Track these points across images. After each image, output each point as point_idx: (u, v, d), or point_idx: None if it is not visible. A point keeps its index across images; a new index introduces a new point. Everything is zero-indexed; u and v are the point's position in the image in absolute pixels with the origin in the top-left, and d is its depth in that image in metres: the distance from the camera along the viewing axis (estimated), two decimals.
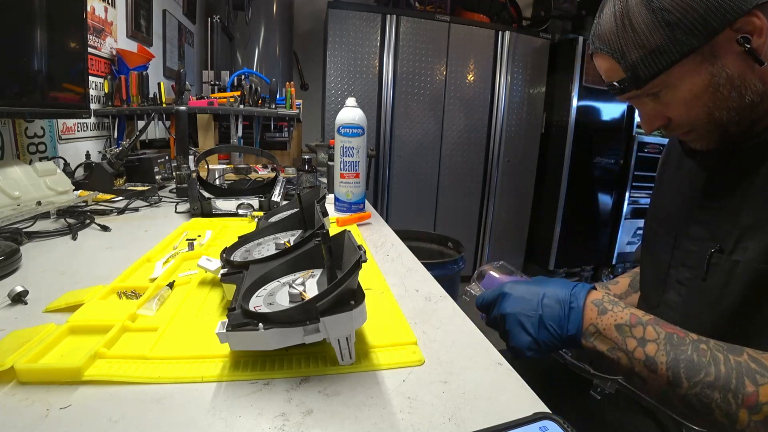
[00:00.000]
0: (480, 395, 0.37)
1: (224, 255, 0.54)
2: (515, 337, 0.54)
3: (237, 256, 0.57)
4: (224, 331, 0.36)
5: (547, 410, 0.34)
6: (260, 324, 0.36)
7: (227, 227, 0.88)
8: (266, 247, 0.59)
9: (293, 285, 0.42)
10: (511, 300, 0.55)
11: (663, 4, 0.47)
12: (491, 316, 0.58)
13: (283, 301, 0.42)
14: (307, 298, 0.39)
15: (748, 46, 0.46)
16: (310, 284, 0.45)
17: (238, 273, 0.49)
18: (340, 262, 0.46)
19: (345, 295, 0.37)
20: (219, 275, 0.50)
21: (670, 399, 0.47)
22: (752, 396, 0.41)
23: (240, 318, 0.37)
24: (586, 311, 0.52)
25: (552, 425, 0.30)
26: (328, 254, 0.41)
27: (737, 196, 0.54)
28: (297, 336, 0.37)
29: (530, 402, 0.37)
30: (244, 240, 0.61)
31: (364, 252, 0.39)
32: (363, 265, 0.39)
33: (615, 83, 0.54)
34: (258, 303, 0.42)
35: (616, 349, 0.50)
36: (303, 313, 0.36)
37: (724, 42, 0.47)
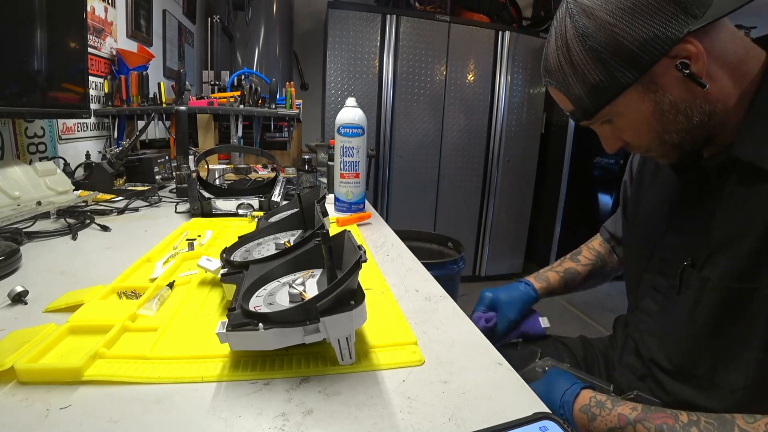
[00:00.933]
0: (480, 395, 0.37)
1: (224, 255, 0.54)
2: None
3: (237, 256, 0.57)
4: (224, 331, 0.36)
5: (547, 410, 0.34)
6: (260, 324, 0.36)
7: (227, 227, 0.88)
8: (266, 247, 0.59)
9: (293, 285, 0.42)
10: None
11: (596, 43, 0.49)
12: None
13: (283, 301, 0.42)
14: (307, 298, 0.39)
15: (687, 71, 0.47)
16: (310, 284, 0.45)
17: (238, 273, 0.49)
18: (340, 262, 0.46)
19: (345, 295, 0.37)
20: (219, 275, 0.50)
21: None
22: None
23: (240, 318, 0.37)
24: (577, 420, 0.56)
25: (552, 425, 0.30)
26: (328, 254, 0.41)
27: (707, 210, 0.55)
28: (297, 336, 0.37)
29: (530, 402, 0.37)
30: (244, 240, 0.61)
31: (364, 252, 0.39)
32: (363, 265, 0.39)
33: (567, 113, 0.57)
34: (258, 303, 0.42)
35: None
36: (303, 313, 0.36)
37: (664, 70, 0.48)
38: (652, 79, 0.49)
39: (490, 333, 0.78)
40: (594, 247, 0.88)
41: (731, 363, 0.51)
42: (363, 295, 0.39)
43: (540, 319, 0.83)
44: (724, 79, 0.50)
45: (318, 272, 0.49)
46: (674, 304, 0.58)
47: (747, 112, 0.50)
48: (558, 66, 0.53)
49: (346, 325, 0.37)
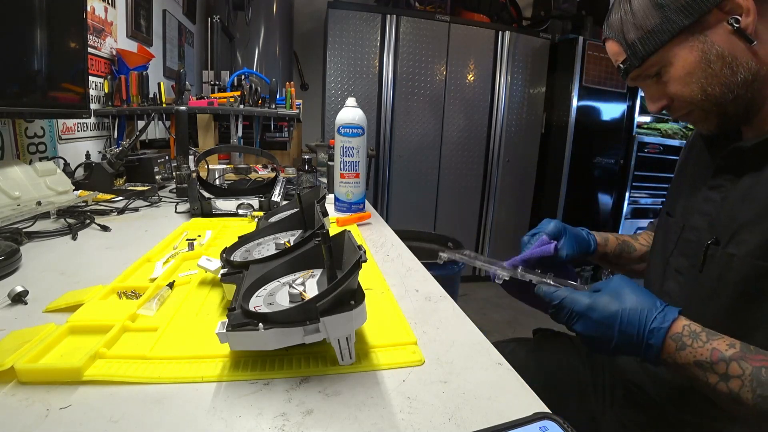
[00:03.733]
0: (480, 395, 0.37)
1: (224, 255, 0.54)
2: (592, 347, 0.53)
3: (237, 256, 0.57)
4: (224, 331, 0.36)
5: (547, 410, 0.34)
6: (260, 324, 0.36)
7: (227, 227, 0.88)
8: (266, 247, 0.59)
9: (293, 285, 0.42)
10: (587, 323, 0.52)
11: None
12: (561, 317, 0.55)
13: (283, 301, 0.42)
14: (307, 298, 0.39)
15: (737, 25, 0.50)
16: (310, 284, 0.45)
17: (238, 273, 0.49)
18: (340, 262, 0.46)
19: (345, 295, 0.37)
20: (219, 275, 0.50)
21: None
22: None
23: (240, 318, 0.37)
24: (665, 346, 0.49)
25: (552, 425, 0.30)
26: (328, 254, 0.41)
27: (739, 190, 0.56)
28: (297, 336, 0.37)
29: (530, 402, 0.37)
30: (244, 240, 0.61)
31: (364, 252, 0.39)
32: (363, 265, 0.39)
33: (620, 65, 0.60)
34: (258, 303, 0.42)
35: (696, 380, 0.48)
36: (303, 313, 0.36)
37: (714, 21, 0.52)
38: (703, 27, 0.53)
39: (544, 261, 0.69)
40: (650, 234, 0.86)
41: (749, 341, 0.48)
42: (363, 295, 0.39)
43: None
44: None
45: (318, 272, 0.49)
46: (696, 283, 0.59)
47: None
48: (618, 17, 0.59)
49: (346, 325, 0.37)
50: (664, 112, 0.64)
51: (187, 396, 0.35)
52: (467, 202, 2.97)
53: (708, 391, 0.48)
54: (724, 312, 0.54)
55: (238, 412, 0.33)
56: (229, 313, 0.38)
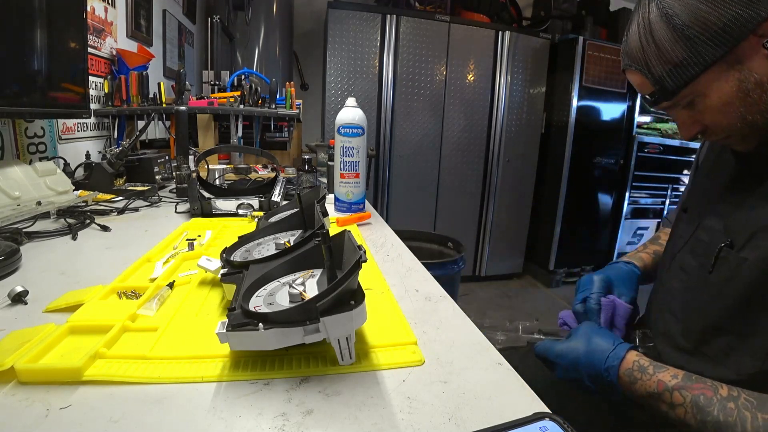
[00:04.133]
0: (480, 395, 0.37)
1: (224, 255, 0.54)
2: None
3: (237, 256, 0.57)
4: (224, 331, 0.36)
5: (547, 410, 0.34)
6: (260, 324, 0.36)
7: (227, 227, 0.88)
8: (266, 247, 0.59)
9: (293, 285, 0.42)
10: (560, 369, 0.61)
11: (682, 21, 0.49)
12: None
13: (283, 301, 0.42)
14: (307, 298, 0.39)
15: None
16: (310, 284, 0.45)
17: (238, 273, 0.49)
18: (340, 262, 0.46)
19: (345, 295, 0.37)
20: (219, 275, 0.50)
21: None
22: None
23: (240, 318, 0.37)
24: (620, 382, 0.55)
25: (552, 425, 0.30)
26: (328, 254, 0.41)
27: (758, 195, 0.54)
28: (297, 336, 0.37)
29: (530, 402, 0.37)
30: (244, 240, 0.61)
31: (364, 252, 0.39)
32: (363, 265, 0.39)
33: (647, 96, 0.57)
34: (258, 303, 0.42)
35: (654, 410, 0.53)
36: (303, 313, 0.36)
37: (749, 48, 0.48)
38: (738, 56, 0.49)
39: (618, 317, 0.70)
40: (666, 232, 0.86)
41: (746, 347, 0.51)
42: (363, 295, 0.39)
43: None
44: None
45: (318, 272, 0.49)
46: (703, 283, 0.58)
47: None
48: (639, 48, 0.54)
49: (346, 325, 0.37)
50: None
51: (187, 396, 0.35)
52: (467, 202, 2.97)
53: (666, 419, 0.52)
54: (728, 315, 0.54)
55: (238, 412, 0.33)
56: (229, 313, 0.38)
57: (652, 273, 0.79)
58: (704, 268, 0.58)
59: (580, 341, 0.59)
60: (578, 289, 0.73)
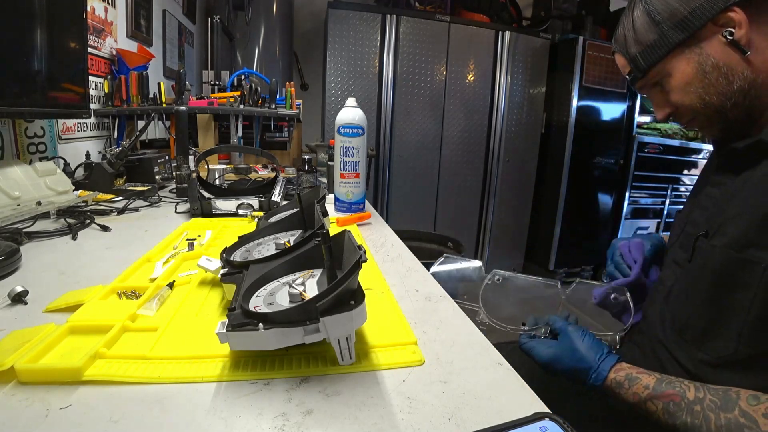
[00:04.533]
0: (480, 395, 0.37)
1: (224, 255, 0.54)
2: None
3: (237, 256, 0.57)
4: (224, 331, 0.36)
5: (547, 410, 0.34)
6: (260, 324, 0.36)
7: (227, 227, 0.88)
8: (266, 247, 0.59)
9: (293, 285, 0.42)
10: (551, 372, 0.64)
11: (656, 8, 0.58)
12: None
13: (283, 301, 0.42)
14: (307, 298, 0.39)
15: (731, 37, 0.54)
16: (310, 284, 0.45)
17: (238, 273, 0.49)
18: (340, 262, 0.46)
19: (345, 295, 0.37)
20: (219, 275, 0.50)
21: None
22: None
23: (240, 318, 0.37)
24: (607, 394, 0.59)
25: (552, 425, 0.30)
26: (328, 254, 0.41)
27: (732, 187, 0.59)
28: (297, 336, 0.37)
29: (530, 402, 0.37)
30: (244, 240, 0.61)
31: (364, 252, 0.39)
32: (363, 265, 0.39)
33: (627, 75, 0.66)
34: (258, 303, 0.42)
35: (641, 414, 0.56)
36: (303, 313, 0.36)
37: (708, 34, 0.56)
38: (698, 41, 0.57)
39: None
40: None
41: (719, 331, 0.55)
42: (363, 295, 0.39)
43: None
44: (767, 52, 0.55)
45: (318, 272, 0.49)
46: (685, 272, 0.63)
47: None
48: (623, 33, 0.64)
49: (346, 325, 0.37)
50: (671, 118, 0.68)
51: (187, 396, 0.35)
52: (467, 202, 2.97)
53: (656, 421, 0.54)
54: (703, 301, 0.57)
55: (238, 412, 0.33)
56: (229, 313, 0.38)
57: None
58: (686, 259, 0.63)
59: (564, 355, 0.62)
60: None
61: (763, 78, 0.55)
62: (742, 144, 0.58)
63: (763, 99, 0.56)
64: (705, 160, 0.74)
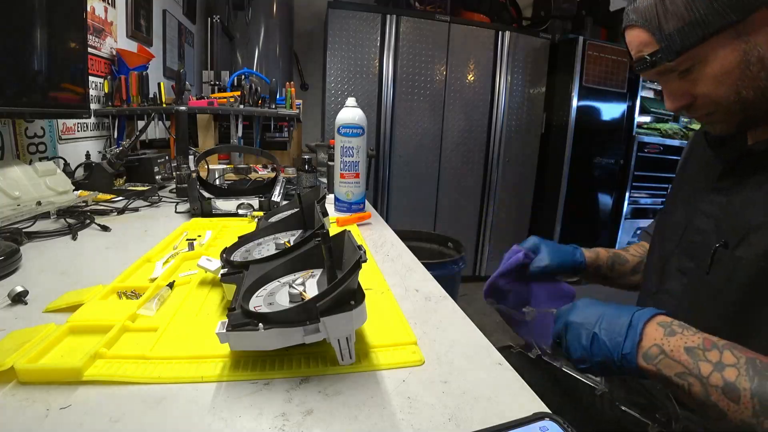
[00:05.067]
0: (480, 395, 0.37)
1: (224, 255, 0.54)
2: (570, 348, 0.53)
3: (237, 256, 0.57)
4: (224, 331, 0.36)
5: (548, 410, 0.34)
6: (260, 324, 0.36)
7: (227, 227, 0.88)
8: (266, 247, 0.59)
9: (293, 285, 0.42)
10: (575, 311, 0.55)
11: None
12: (557, 328, 0.57)
13: (283, 301, 0.42)
14: (307, 298, 0.39)
15: None
16: (310, 284, 0.45)
17: (238, 273, 0.49)
18: (340, 262, 0.46)
19: (345, 296, 0.37)
20: (219, 275, 0.50)
21: (755, 430, 0.41)
22: None
23: (240, 318, 0.37)
24: (648, 330, 0.49)
25: (552, 425, 0.30)
26: (328, 254, 0.41)
27: (747, 192, 0.55)
28: (297, 336, 0.37)
29: (530, 402, 0.37)
30: (244, 240, 0.61)
31: (364, 252, 0.39)
32: (363, 265, 0.39)
33: (646, 56, 0.54)
34: (258, 303, 0.42)
35: (686, 374, 0.45)
36: (303, 313, 0.36)
37: (760, 21, 0.49)
38: (748, 26, 0.49)
39: (516, 271, 0.77)
40: (644, 246, 0.86)
41: (753, 342, 0.48)
42: (363, 295, 0.39)
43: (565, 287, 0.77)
44: None
45: (318, 272, 0.49)
46: (702, 285, 0.58)
47: None
48: (653, 3, 0.52)
49: (346, 326, 0.37)
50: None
51: (187, 396, 0.35)
52: (467, 202, 2.97)
53: (699, 395, 0.44)
54: (728, 314, 0.54)
55: (238, 412, 0.33)
56: (229, 313, 0.38)
57: (605, 269, 0.81)
58: (701, 269, 0.58)
59: (611, 304, 0.54)
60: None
61: None
62: (761, 147, 0.54)
63: None
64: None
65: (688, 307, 0.61)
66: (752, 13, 0.48)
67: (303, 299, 0.40)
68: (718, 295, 0.55)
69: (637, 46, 0.56)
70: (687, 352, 0.46)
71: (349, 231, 0.46)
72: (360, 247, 0.40)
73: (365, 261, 0.39)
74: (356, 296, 0.38)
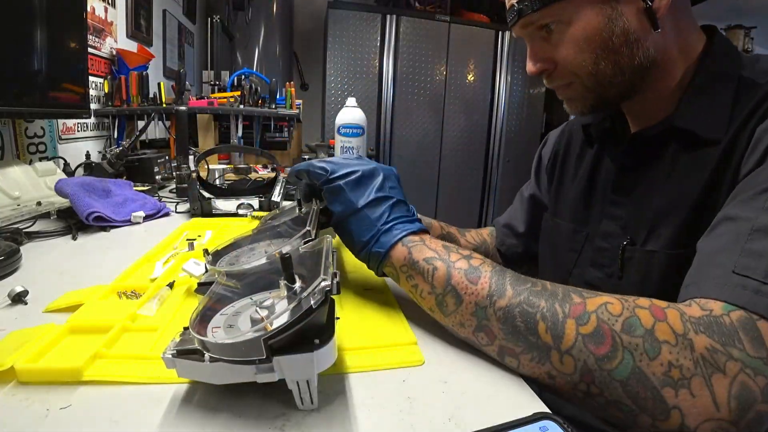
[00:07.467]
0: (480, 395, 0.37)
1: (209, 258, 0.49)
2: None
3: (224, 262, 0.51)
4: (169, 355, 0.31)
5: (547, 410, 0.34)
6: (207, 354, 0.30)
7: (227, 227, 0.88)
8: (257, 254, 0.54)
9: (259, 307, 0.34)
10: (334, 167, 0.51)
11: None
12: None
13: (244, 326, 0.35)
14: (269, 329, 0.30)
15: (650, 3, 0.47)
16: (280, 306, 0.35)
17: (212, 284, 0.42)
18: (315, 275, 0.36)
19: (308, 332, 0.30)
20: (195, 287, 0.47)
21: (487, 316, 0.40)
22: (579, 306, 0.38)
23: (189, 342, 0.31)
24: (393, 256, 0.47)
25: (552, 425, 0.30)
26: (288, 276, 0.34)
27: (645, 185, 0.54)
28: (248, 373, 0.30)
29: (530, 402, 0.37)
30: (237, 243, 0.56)
31: (338, 282, 0.32)
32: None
33: (514, 4, 0.52)
34: (218, 324, 0.36)
35: (435, 258, 0.44)
36: (251, 350, 0.29)
37: None
38: None
39: None
40: (482, 233, 0.84)
41: None
42: (332, 333, 0.31)
43: None
44: (673, 40, 0.50)
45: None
46: (617, 292, 0.57)
47: (686, 90, 0.52)
48: None
49: (305, 368, 0.30)
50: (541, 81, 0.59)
51: (187, 396, 0.35)
52: (467, 202, 2.97)
53: (441, 279, 0.42)
54: None
55: (239, 412, 0.33)
56: (183, 331, 0.33)
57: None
58: (614, 276, 0.56)
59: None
60: None
61: (661, 60, 0.50)
62: (653, 131, 0.53)
63: (652, 83, 0.52)
64: None
65: None
66: None
67: (265, 329, 0.30)
68: (639, 295, 0.54)
69: None
70: (443, 243, 0.46)
71: (331, 242, 0.39)
72: (335, 274, 0.32)
73: (337, 294, 0.31)
74: (323, 333, 0.30)
